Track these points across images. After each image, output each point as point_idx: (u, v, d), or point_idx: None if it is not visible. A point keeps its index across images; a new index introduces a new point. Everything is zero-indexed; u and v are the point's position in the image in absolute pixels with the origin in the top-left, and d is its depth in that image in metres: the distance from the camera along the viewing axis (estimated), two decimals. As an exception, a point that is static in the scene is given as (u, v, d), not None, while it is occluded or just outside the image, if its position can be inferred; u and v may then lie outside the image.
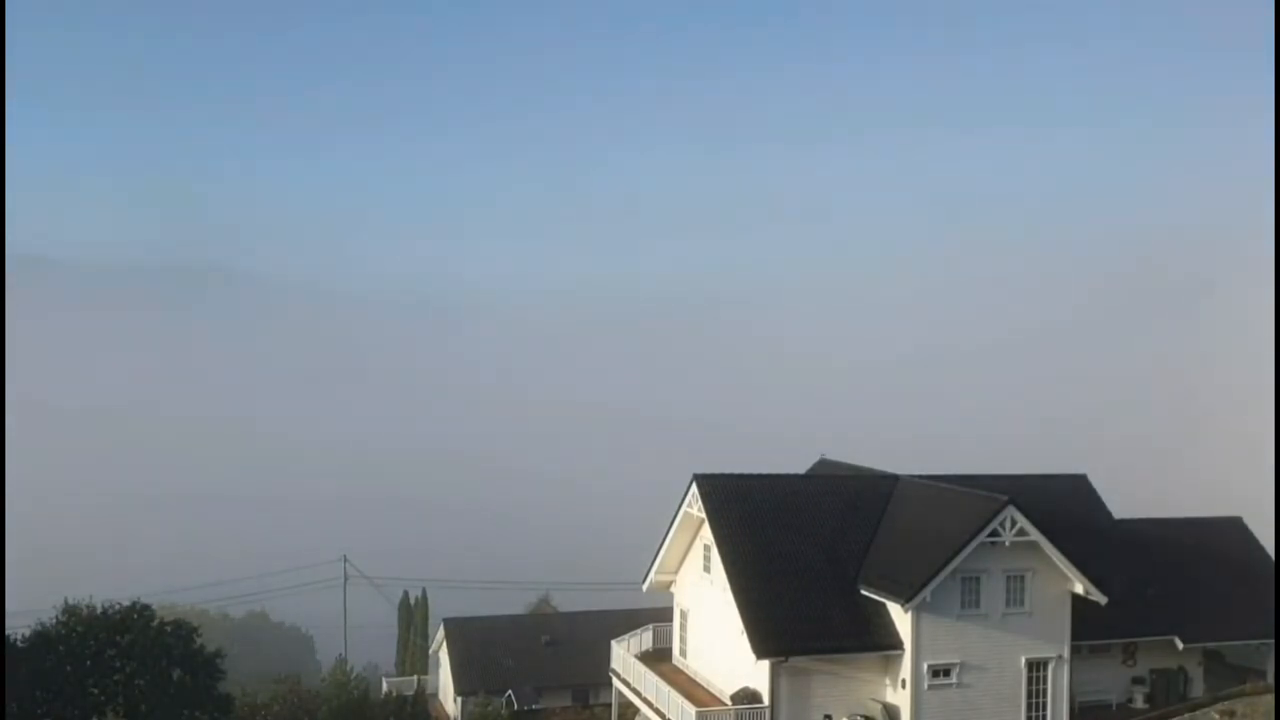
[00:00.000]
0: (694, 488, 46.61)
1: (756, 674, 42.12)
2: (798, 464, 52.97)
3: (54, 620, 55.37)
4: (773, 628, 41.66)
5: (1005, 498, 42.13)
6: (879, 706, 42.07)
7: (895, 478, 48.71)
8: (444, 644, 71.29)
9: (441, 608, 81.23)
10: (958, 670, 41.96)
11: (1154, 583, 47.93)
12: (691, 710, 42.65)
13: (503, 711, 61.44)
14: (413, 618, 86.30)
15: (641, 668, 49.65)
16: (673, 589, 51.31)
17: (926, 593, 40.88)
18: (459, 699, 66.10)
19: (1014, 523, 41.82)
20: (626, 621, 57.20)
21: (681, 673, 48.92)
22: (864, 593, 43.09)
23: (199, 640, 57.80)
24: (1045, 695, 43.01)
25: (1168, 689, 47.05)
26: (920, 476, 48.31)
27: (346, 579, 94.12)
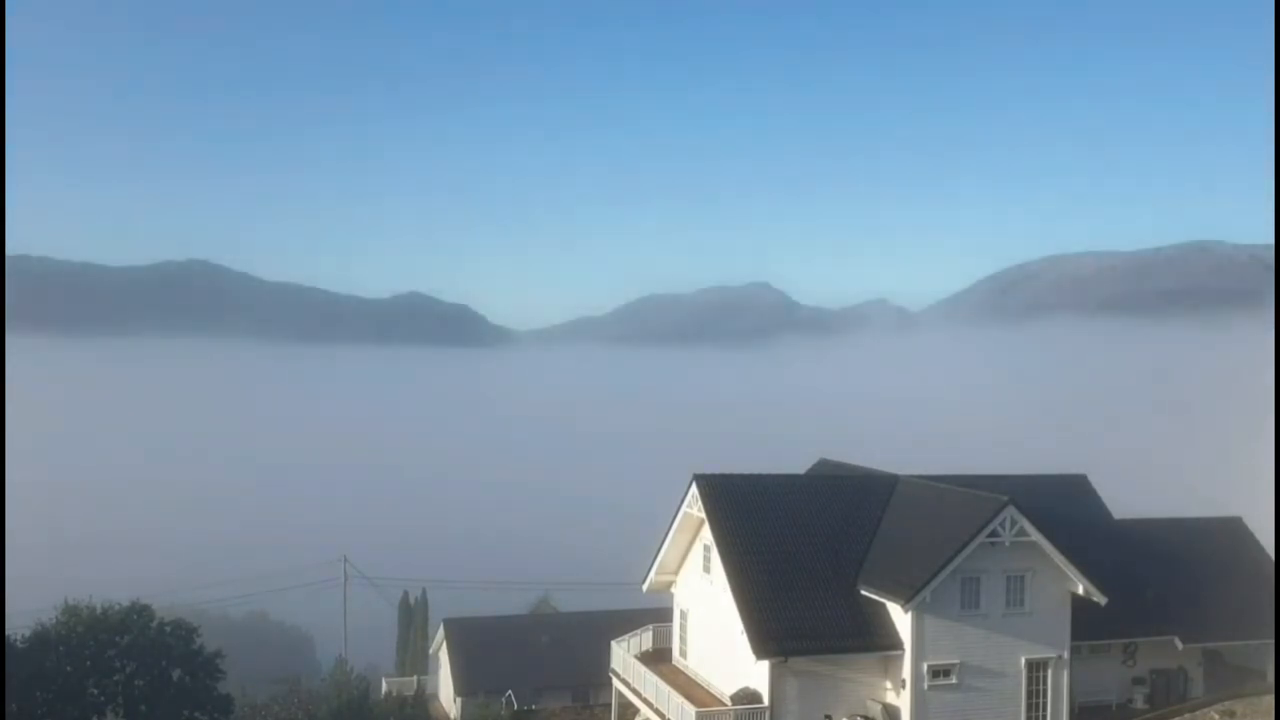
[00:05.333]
0: (694, 488, 46.59)
1: (756, 674, 42.09)
2: (798, 464, 52.96)
3: (54, 621, 55.40)
4: (773, 628, 41.62)
5: (1005, 498, 42.09)
6: (879, 707, 42.02)
7: (895, 478, 48.67)
8: (444, 644, 71.30)
9: (441, 608, 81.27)
10: (958, 671, 41.90)
11: (1154, 583, 47.89)
12: (691, 710, 42.62)
13: (503, 711, 61.41)
14: (413, 618, 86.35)
15: (641, 668, 49.60)
16: (673, 589, 51.27)
17: (926, 593, 40.85)
18: (459, 699, 66.12)
19: (1014, 523, 41.80)
20: (626, 621, 57.17)
21: (681, 673, 48.86)
22: (864, 593, 43.07)
23: (199, 640, 57.85)
24: (1045, 696, 42.94)
25: (1168, 689, 46.97)
26: (920, 477, 48.26)
27: (346, 579, 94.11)
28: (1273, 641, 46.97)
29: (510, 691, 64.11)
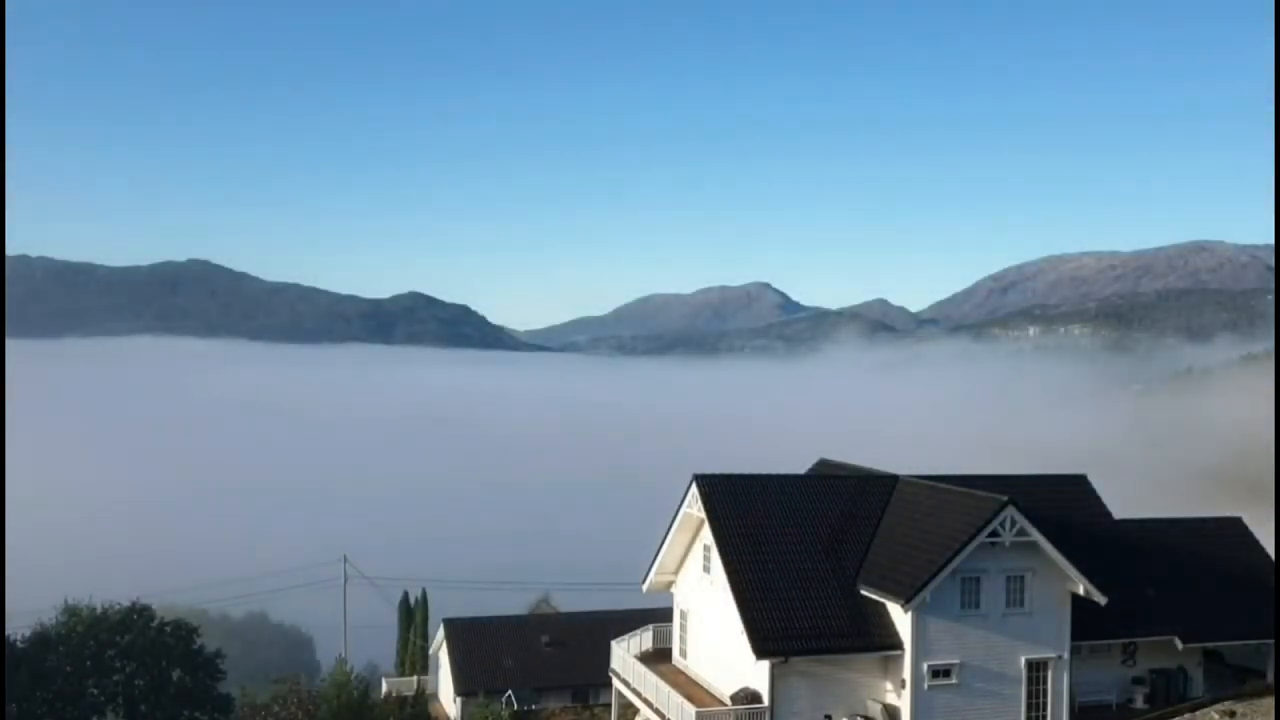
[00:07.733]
0: (694, 488, 46.59)
1: (756, 674, 42.09)
2: (798, 464, 52.96)
3: (54, 621, 55.45)
4: (773, 628, 41.61)
5: (1005, 498, 42.06)
6: (879, 707, 42.02)
7: (895, 478, 48.66)
8: (444, 644, 71.26)
9: (441, 608, 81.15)
10: (958, 671, 41.89)
11: (1154, 583, 47.83)
12: (691, 710, 42.61)
13: (503, 711, 61.40)
14: (413, 618, 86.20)
15: (641, 668, 49.61)
16: (673, 589, 51.28)
17: (926, 593, 40.83)
18: (459, 699, 66.08)
19: (1014, 523, 41.78)
20: (626, 621, 57.18)
21: (681, 673, 48.88)
22: (864, 593, 43.06)
23: (199, 641, 57.93)
24: (1045, 696, 42.94)
25: (1168, 689, 46.96)
26: (920, 477, 48.25)
27: (346, 579, 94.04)
28: (1273, 641, 47.00)
29: (510, 691, 64.06)
